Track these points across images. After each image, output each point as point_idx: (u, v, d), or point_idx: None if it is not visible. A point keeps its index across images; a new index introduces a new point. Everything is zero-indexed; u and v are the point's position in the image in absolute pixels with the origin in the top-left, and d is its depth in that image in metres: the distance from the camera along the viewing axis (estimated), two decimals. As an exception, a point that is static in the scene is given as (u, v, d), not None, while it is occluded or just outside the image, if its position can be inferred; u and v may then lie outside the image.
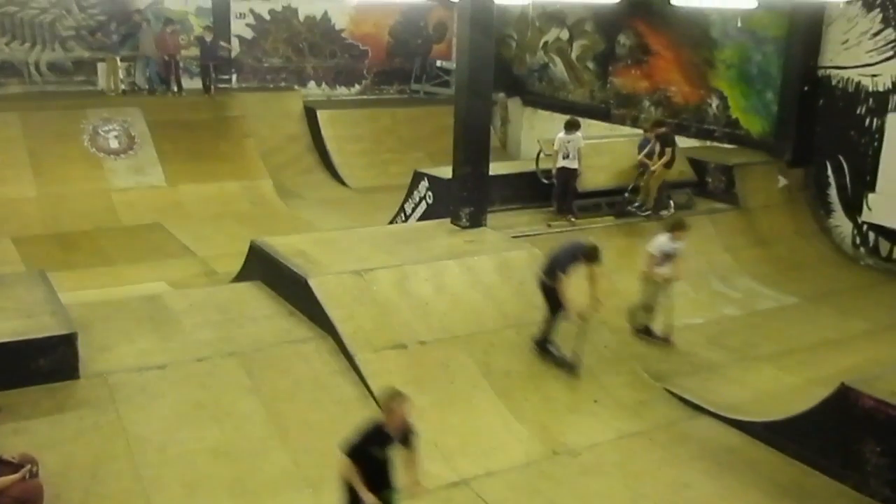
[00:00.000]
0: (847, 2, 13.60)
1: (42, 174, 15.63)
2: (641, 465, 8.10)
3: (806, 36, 14.39)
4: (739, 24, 15.53)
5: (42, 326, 8.05)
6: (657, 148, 12.89)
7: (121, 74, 18.41)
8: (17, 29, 18.11)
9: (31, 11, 18.16)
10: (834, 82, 14.20)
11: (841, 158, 14.17)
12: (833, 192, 14.32)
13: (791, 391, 9.38)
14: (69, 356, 7.89)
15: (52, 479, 6.62)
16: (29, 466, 6.30)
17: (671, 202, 13.31)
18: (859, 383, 7.68)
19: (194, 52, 18.95)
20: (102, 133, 16.81)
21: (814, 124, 14.55)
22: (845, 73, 14.01)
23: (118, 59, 18.36)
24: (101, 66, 18.38)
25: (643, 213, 12.99)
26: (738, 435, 8.59)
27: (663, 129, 13.20)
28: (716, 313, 11.84)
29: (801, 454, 8.08)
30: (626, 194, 13.10)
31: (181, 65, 18.73)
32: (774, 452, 8.25)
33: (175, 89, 18.55)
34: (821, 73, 14.37)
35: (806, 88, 14.49)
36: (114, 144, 16.78)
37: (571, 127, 12.60)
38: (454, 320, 9.52)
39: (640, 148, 13.16)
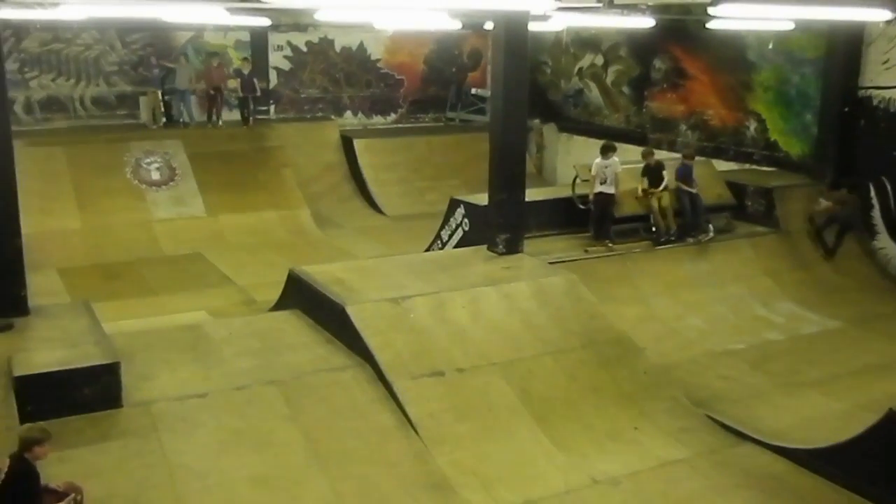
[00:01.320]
0: (888, 21, 13.43)
1: (86, 206, 15.95)
2: (683, 494, 7.96)
3: (845, 56, 14.26)
4: (771, 47, 15.45)
5: (86, 356, 8.18)
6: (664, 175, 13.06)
7: (162, 108, 18.80)
8: (63, 65, 18.60)
9: (75, 48, 18.64)
10: (875, 102, 14.02)
11: (884, 179, 13.94)
12: (877, 214, 14.08)
13: (837, 417, 9.20)
14: (112, 385, 8.00)
15: (95, 507, 6.69)
16: (73, 495, 6.37)
17: (710, 226, 13.19)
18: (908, 409, 7.50)
19: (233, 84, 19.30)
20: (145, 165, 17.14)
21: (855, 146, 14.36)
22: (886, 94, 13.83)
23: (159, 92, 18.75)
24: (142, 100, 18.78)
25: (664, 239, 12.89)
26: (782, 462, 8.42)
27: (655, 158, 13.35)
28: (758, 338, 11.66)
29: (848, 482, 7.90)
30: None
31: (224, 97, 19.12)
32: (821, 480, 8.08)
33: (215, 120, 18.92)
34: (861, 93, 14.21)
35: (846, 109, 14.33)
36: (155, 176, 17.09)
37: (607, 150, 12.58)
38: (492, 347, 9.50)
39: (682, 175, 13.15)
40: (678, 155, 14.22)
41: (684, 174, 13.17)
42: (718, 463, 8.46)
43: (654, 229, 12.95)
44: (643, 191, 12.97)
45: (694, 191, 13.07)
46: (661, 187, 12.94)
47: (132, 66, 19.00)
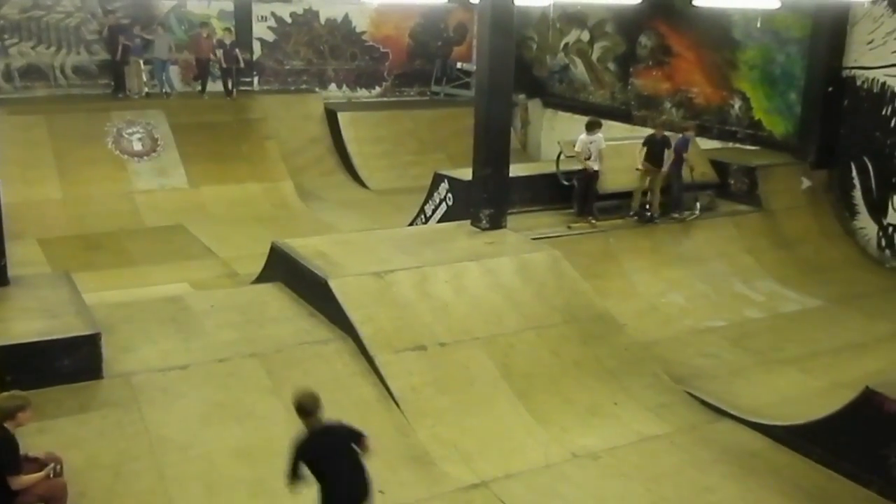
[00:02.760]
0: (872, 1, 13.47)
1: (67, 176, 15.80)
2: (662, 469, 8.05)
3: (830, 36, 14.27)
4: (759, 25, 15.44)
5: (66, 327, 8.14)
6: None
7: (144, 77, 18.59)
8: (43, 33, 18.32)
9: (56, 16, 18.36)
10: (859, 83, 14.07)
11: (866, 160, 14.02)
12: (858, 194, 14.18)
13: (815, 395, 9.30)
14: (93, 356, 7.96)
15: (75, 477, 6.68)
16: (53, 465, 6.37)
17: (697, 204, 13.22)
18: (884, 387, 7.59)
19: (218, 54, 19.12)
20: (126, 135, 16.98)
21: (838, 125, 14.42)
22: (871, 74, 13.87)
23: (141, 62, 18.53)
24: (126, 70, 18.53)
25: (646, 217, 12.92)
26: (760, 439, 8.52)
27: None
28: (738, 316, 11.76)
29: (824, 458, 8.00)
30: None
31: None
32: (798, 457, 8.18)
33: (199, 90, 18.77)
34: (845, 73, 14.25)
35: (830, 89, 14.37)
36: (137, 147, 16.93)
37: (593, 127, 12.54)
38: (474, 322, 9.52)
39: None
40: (665, 132, 14.16)
41: (683, 146, 13.05)
42: (697, 439, 8.55)
43: (642, 210, 12.86)
44: (643, 165, 12.68)
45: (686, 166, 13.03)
46: (663, 167, 12.73)
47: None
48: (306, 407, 5.84)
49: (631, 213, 12.92)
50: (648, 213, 12.88)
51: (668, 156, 12.81)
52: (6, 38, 17.92)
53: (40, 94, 18.27)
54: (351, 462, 5.88)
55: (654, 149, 12.74)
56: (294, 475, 5.76)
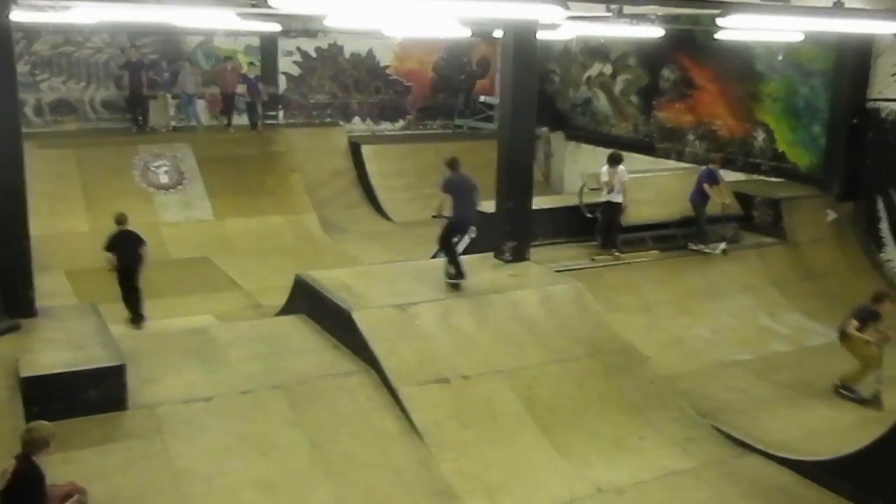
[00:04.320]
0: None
1: (95, 208, 15.99)
2: (688, 504, 7.94)
3: (854, 68, 14.25)
4: (781, 58, 15.45)
5: (92, 358, 8.20)
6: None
7: (171, 111, 18.88)
8: (73, 68, 18.70)
9: (86, 51, 18.74)
10: (883, 115, 14.00)
11: (891, 192, 13.91)
12: (885, 227, 14.05)
13: (843, 429, 9.16)
14: (118, 387, 8.01)
15: (99, 509, 6.70)
16: (77, 496, 6.39)
17: (724, 243, 13.15)
18: (914, 422, 7.47)
19: (241, 89, 19.36)
20: (153, 168, 17.23)
21: (863, 157, 14.34)
22: (895, 106, 13.80)
23: (168, 96, 18.84)
24: (152, 104, 18.85)
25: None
26: (788, 474, 8.39)
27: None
28: (764, 349, 11.64)
29: (853, 494, 7.87)
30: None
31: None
32: (826, 492, 8.05)
33: (225, 124, 19.02)
34: (870, 105, 14.19)
35: (855, 121, 14.31)
36: (164, 179, 17.17)
37: (614, 160, 12.58)
38: (497, 355, 9.49)
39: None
40: (687, 165, 14.18)
41: (711, 178, 13.08)
42: (724, 474, 8.44)
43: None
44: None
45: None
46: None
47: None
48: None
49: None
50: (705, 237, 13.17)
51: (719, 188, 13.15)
52: (37, 73, 18.31)
53: (70, 128, 18.63)
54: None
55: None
56: None
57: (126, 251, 11.58)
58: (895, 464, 7.57)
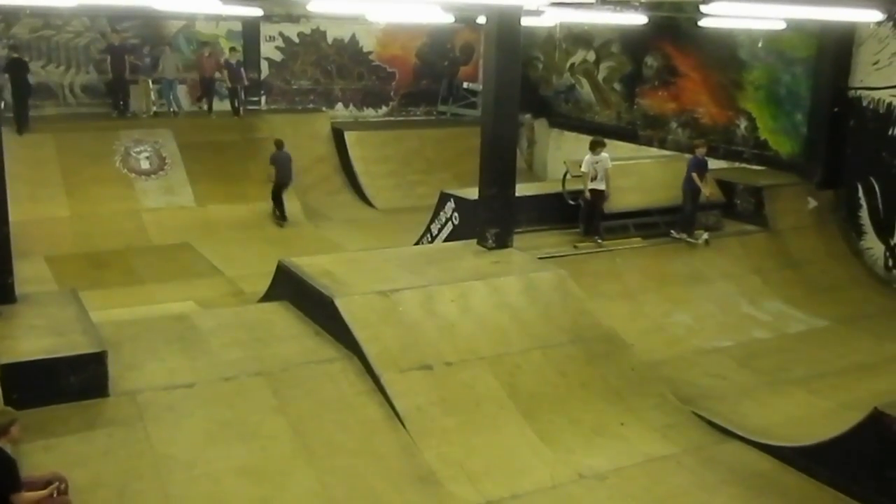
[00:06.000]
0: (878, 22, 13.50)
1: (75, 194, 15.89)
2: (669, 490, 8.00)
3: (835, 57, 14.32)
4: (760, 45, 15.50)
5: (73, 344, 8.15)
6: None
7: (152, 96, 18.72)
8: (53, 52, 18.48)
9: (66, 35, 18.52)
10: (865, 103, 14.09)
11: (872, 180, 14.02)
12: (865, 214, 14.16)
13: (823, 415, 9.25)
14: (99, 374, 7.97)
15: (80, 496, 6.65)
16: (57, 483, 6.35)
17: (706, 234, 13.19)
18: (892, 408, 7.54)
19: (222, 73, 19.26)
20: (134, 154, 17.09)
21: (844, 146, 14.43)
22: (876, 94, 13.89)
23: (150, 81, 18.67)
24: (133, 89, 18.68)
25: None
26: (768, 460, 8.47)
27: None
28: (745, 336, 11.72)
29: (832, 480, 7.95)
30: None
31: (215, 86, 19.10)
32: (805, 478, 8.13)
33: (206, 109, 18.87)
34: (851, 93, 14.27)
35: (836, 109, 14.40)
36: (145, 165, 17.04)
37: (596, 146, 12.59)
38: (480, 341, 9.50)
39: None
40: (669, 152, 14.22)
41: (699, 166, 13.10)
42: (704, 459, 8.50)
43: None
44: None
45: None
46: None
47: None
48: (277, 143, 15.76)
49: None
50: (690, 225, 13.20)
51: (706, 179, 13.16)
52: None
53: (49, 112, 18.39)
54: None
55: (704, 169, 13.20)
56: None
57: (282, 168, 16.03)
58: (872, 449, 7.65)
